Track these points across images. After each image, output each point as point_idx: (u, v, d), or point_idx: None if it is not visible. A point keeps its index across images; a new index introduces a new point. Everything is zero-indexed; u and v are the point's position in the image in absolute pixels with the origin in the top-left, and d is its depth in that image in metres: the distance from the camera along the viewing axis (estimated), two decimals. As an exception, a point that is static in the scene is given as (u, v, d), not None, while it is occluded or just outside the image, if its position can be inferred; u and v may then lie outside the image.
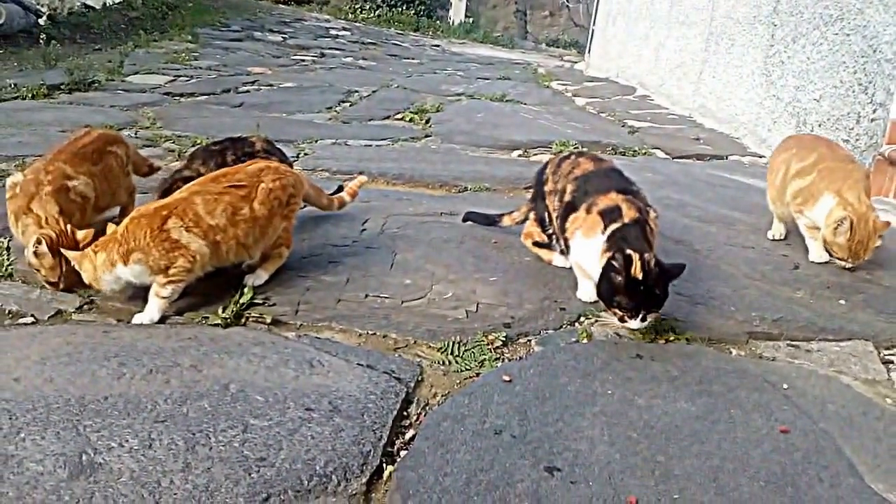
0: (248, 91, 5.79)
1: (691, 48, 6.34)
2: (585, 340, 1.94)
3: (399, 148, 4.19)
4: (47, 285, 2.02)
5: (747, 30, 5.30)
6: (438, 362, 1.80)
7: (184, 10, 10.31)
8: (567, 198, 2.19)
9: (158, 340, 1.77)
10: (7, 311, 1.93)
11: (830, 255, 2.56)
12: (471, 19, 16.11)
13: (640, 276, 1.82)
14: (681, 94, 6.44)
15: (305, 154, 3.78)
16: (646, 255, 1.85)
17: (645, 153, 4.54)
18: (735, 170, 4.28)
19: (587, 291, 2.13)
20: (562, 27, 17.28)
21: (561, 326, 2.02)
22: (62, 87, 5.05)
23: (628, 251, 1.85)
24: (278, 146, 2.72)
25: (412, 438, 1.48)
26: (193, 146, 3.55)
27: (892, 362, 1.96)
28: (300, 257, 2.32)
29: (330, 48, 9.55)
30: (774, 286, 2.39)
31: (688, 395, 1.68)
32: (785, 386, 1.76)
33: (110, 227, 1.93)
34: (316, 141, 4.14)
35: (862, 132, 3.97)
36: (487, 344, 1.88)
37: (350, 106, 5.49)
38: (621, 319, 1.90)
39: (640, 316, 1.87)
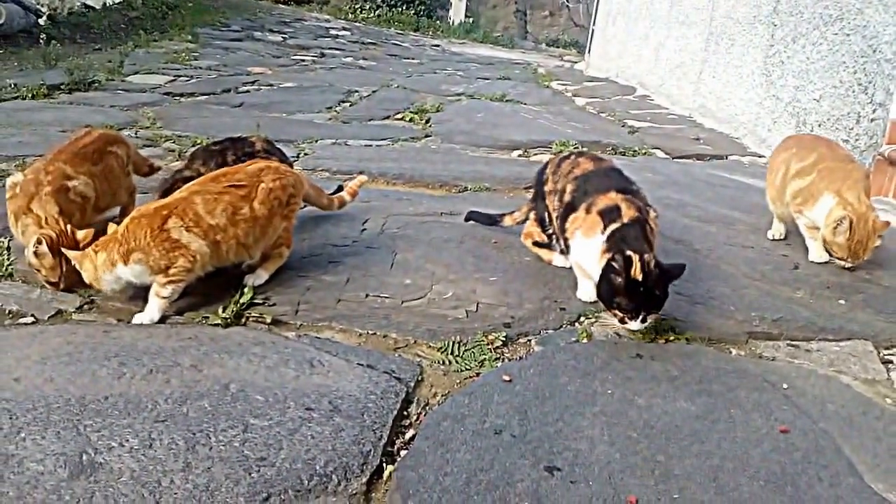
0: (248, 91, 5.79)
1: (691, 48, 6.34)
2: (585, 340, 1.94)
3: (399, 148, 4.19)
4: (47, 285, 2.02)
5: (747, 30, 5.30)
6: (438, 362, 1.80)
7: (184, 10, 10.31)
8: (567, 198, 2.19)
9: (159, 340, 1.77)
10: (7, 311, 1.93)
11: (830, 254, 2.56)
12: (471, 19, 16.12)
13: (639, 278, 1.82)
14: (681, 94, 6.44)
15: (305, 154, 3.78)
16: (645, 256, 1.85)
17: (645, 153, 4.54)
18: (735, 170, 4.28)
19: (587, 291, 2.13)
20: (562, 27, 17.28)
21: (561, 326, 2.02)
22: (62, 87, 5.05)
23: (628, 252, 1.85)
24: (278, 146, 2.72)
25: (412, 438, 1.48)
26: (193, 146, 3.55)
27: (891, 362, 1.96)
28: (300, 257, 2.32)
29: (330, 48, 9.55)
30: (774, 286, 2.39)
31: (688, 395, 1.68)
32: (785, 386, 1.76)
33: (111, 227, 1.93)
34: (316, 141, 4.14)
35: (862, 132, 3.97)
36: (487, 344, 1.89)
37: (350, 106, 5.49)
38: (621, 321, 1.90)
39: (641, 317, 1.87)
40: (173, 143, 3.83)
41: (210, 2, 11.76)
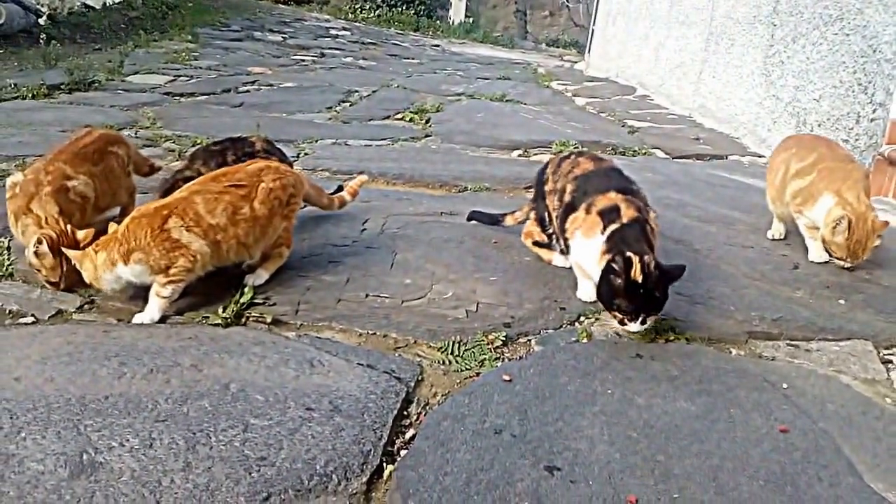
0: (248, 91, 5.79)
1: (691, 48, 6.34)
2: (585, 340, 1.94)
3: (399, 148, 4.19)
4: (48, 285, 2.02)
5: (747, 30, 5.30)
6: (438, 362, 1.80)
7: (184, 10, 10.31)
8: (567, 198, 2.19)
9: (159, 340, 1.77)
10: (8, 311, 1.93)
11: (830, 254, 2.56)
12: (471, 19, 16.12)
13: (639, 279, 1.82)
14: (681, 93, 6.44)
15: (305, 154, 3.78)
16: (645, 258, 1.84)
17: (645, 153, 4.54)
18: (735, 169, 4.28)
19: (587, 291, 2.13)
20: (562, 27, 17.29)
21: (561, 326, 2.03)
22: (62, 86, 5.05)
23: (628, 254, 1.84)
24: (278, 146, 2.72)
25: (412, 438, 1.48)
26: (193, 146, 3.55)
27: (891, 362, 1.96)
28: (300, 257, 2.32)
29: (330, 48, 9.56)
30: (774, 286, 2.40)
31: (687, 395, 1.68)
32: (784, 385, 1.76)
33: (112, 227, 1.94)
34: (316, 141, 4.14)
35: (861, 132, 3.97)
36: (487, 343, 1.89)
37: (350, 106, 5.49)
38: (621, 322, 1.90)
39: (640, 319, 1.87)
40: (173, 143, 3.83)
41: (210, 2, 11.77)
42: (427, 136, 4.57)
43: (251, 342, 1.78)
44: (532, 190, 2.53)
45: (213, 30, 9.61)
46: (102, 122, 4.04)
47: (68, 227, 2.02)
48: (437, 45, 12.09)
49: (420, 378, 1.72)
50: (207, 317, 1.93)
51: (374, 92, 6.19)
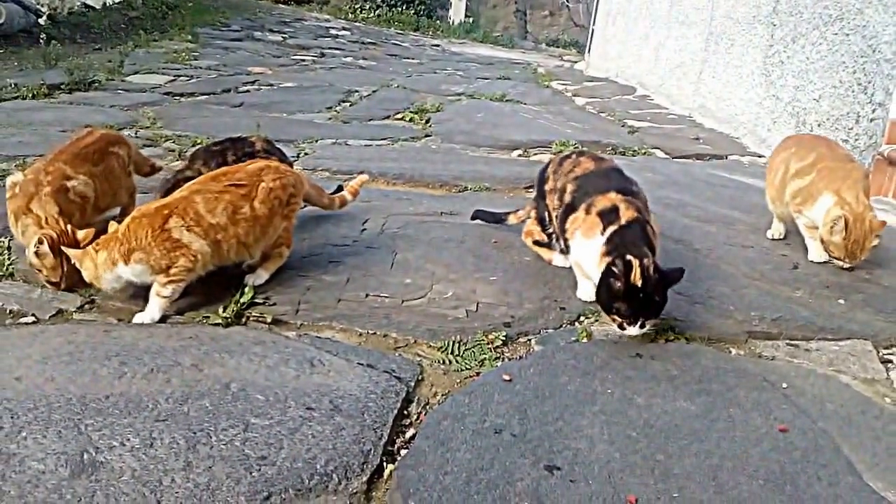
0: (248, 91, 5.80)
1: (691, 48, 6.34)
2: (585, 340, 1.94)
3: (399, 148, 4.19)
4: (48, 285, 2.02)
5: (747, 30, 5.30)
6: (439, 361, 1.80)
7: (184, 10, 10.31)
8: (567, 197, 2.19)
9: (159, 340, 1.77)
10: (8, 311, 1.93)
11: (829, 254, 2.57)
12: (471, 19, 16.12)
13: (639, 284, 1.81)
14: (680, 93, 6.44)
15: (306, 154, 3.78)
16: (645, 261, 1.83)
17: (645, 153, 4.54)
18: (735, 169, 4.28)
19: (587, 291, 2.13)
20: (562, 27, 17.29)
21: (561, 326, 2.03)
22: (62, 86, 5.05)
23: (628, 257, 1.83)
24: (278, 146, 2.72)
25: (413, 437, 1.48)
26: (194, 146, 3.55)
27: (890, 361, 1.97)
28: (300, 257, 2.32)
29: (330, 48, 9.56)
30: (774, 286, 2.40)
31: (687, 394, 1.68)
32: (784, 385, 1.76)
33: (112, 226, 1.94)
34: (316, 141, 4.14)
35: (861, 132, 3.98)
36: (487, 343, 1.89)
37: (350, 106, 5.49)
38: (620, 326, 1.89)
39: (639, 323, 1.86)
40: (173, 142, 3.83)
41: (210, 2, 11.77)
42: (427, 135, 4.57)
43: (251, 342, 1.78)
44: (533, 189, 2.53)
45: (213, 30, 9.61)
46: (103, 121, 4.05)
47: (68, 226, 2.03)
48: (437, 45, 12.09)
49: (420, 378, 1.72)
50: (208, 316, 1.93)
51: (374, 92, 6.19)
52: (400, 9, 15.28)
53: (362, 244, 2.49)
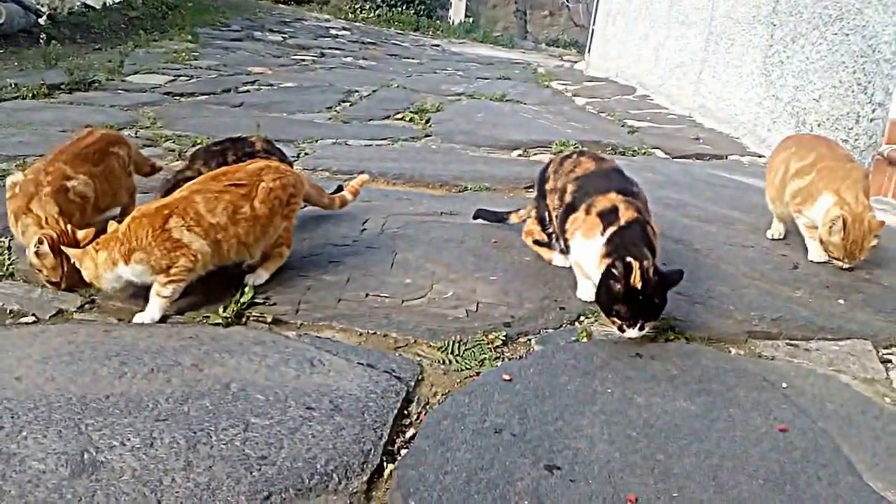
0: (248, 91, 5.80)
1: (691, 48, 6.34)
2: (585, 339, 1.94)
3: (399, 148, 4.19)
4: (49, 285, 2.02)
5: (747, 30, 5.30)
6: (439, 361, 1.80)
7: (184, 10, 10.31)
8: (567, 197, 2.19)
9: (159, 339, 1.77)
10: (8, 311, 1.93)
11: (828, 254, 2.57)
12: (471, 19, 16.12)
13: (639, 286, 1.81)
14: (680, 93, 6.44)
15: (306, 154, 3.79)
16: (645, 263, 1.83)
17: (645, 153, 4.55)
18: (735, 169, 4.28)
19: (587, 291, 2.13)
20: (562, 27, 17.29)
21: (561, 325, 2.03)
22: (62, 86, 5.05)
23: (628, 259, 1.83)
24: (278, 146, 2.72)
25: (413, 437, 1.48)
26: (194, 146, 3.56)
27: (890, 361, 1.97)
28: (301, 257, 2.33)
29: (330, 48, 9.56)
30: (774, 285, 2.40)
31: (687, 394, 1.68)
32: (784, 385, 1.76)
33: (112, 226, 1.94)
34: (316, 141, 4.15)
35: (861, 132, 3.98)
36: (487, 343, 1.89)
37: (350, 106, 5.49)
38: (619, 328, 1.89)
39: (639, 325, 1.86)
40: (173, 142, 3.83)
41: (210, 2, 11.77)
42: (427, 135, 4.57)
43: (252, 342, 1.78)
44: (533, 189, 2.53)
45: (213, 30, 9.61)
46: (103, 121, 4.05)
47: (68, 226, 2.03)
48: (437, 45, 12.10)
49: (420, 377, 1.72)
50: (208, 316, 1.93)
51: (374, 92, 6.19)
52: (400, 9, 15.29)
53: (362, 244, 2.49)
